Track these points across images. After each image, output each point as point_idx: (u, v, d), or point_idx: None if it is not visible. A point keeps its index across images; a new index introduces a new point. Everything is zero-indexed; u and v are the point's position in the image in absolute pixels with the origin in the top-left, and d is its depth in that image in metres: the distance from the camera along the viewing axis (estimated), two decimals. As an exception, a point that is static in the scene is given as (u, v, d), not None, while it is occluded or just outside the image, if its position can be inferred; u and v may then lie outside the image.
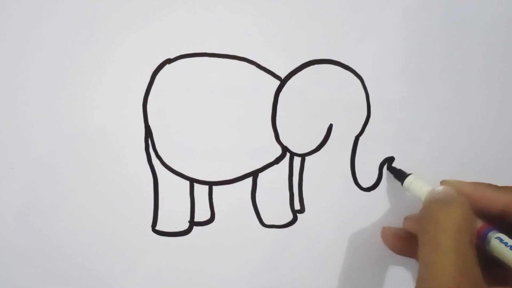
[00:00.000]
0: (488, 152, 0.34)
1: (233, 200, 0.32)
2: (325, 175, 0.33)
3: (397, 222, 0.33)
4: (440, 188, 0.28)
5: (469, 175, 0.31)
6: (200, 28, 0.31)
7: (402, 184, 0.32)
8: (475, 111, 0.33)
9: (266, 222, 0.33)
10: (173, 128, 0.31)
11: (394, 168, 0.33)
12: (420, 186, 0.30)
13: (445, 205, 0.26)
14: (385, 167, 0.33)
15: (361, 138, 0.33)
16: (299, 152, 0.32)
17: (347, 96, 0.32)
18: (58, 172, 0.31)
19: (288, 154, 0.32)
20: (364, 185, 0.33)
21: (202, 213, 0.33)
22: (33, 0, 0.30)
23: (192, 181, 0.32)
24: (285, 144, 0.32)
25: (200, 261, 0.33)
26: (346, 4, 0.31)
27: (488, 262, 0.27)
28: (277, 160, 0.32)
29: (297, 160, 0.33)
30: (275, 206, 0.33)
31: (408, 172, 0.32)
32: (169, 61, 0.31)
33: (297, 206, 0.33)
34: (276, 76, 0.31)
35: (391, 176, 0.33)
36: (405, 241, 0.31)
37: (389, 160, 0.33)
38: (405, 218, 0.33)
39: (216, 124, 0.31)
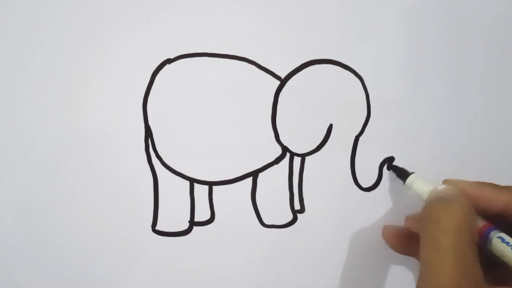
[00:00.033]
0: (488, 152, 0.34)
1: (233, 200, 0.32)
2: (325, 175, 0.33)
3: (397, 222, 0.33)
4: (442, 187, 0.28)
5: (469, 175, 0.31)
6: (200, 28, 0.31)
7: (404, 182, 0.32)
8: (475, 111, 0.33)
9: (266, 222, 0.33)
10: (173, 128, 0.31)
11: (397, 166, 0.33)
12: (422, 185, 0.30)
13: (445, 205, 0.26)
14: (385, 167, 0.33)
15: (361, 138, 0.33)
16: (299, 152, 0.32)
17: (347, 96, 0.32)
18: (58, 172, 0.31)
19: (288, 154, 0.32)
20: (364, 185, 0.33)
21: (202, 213, 0.33)
22: (33, 0, 0.30)
23: (192, 181, 0.32)
24: (285, 144, 0.32)
25: (200, 261, 0.33)
26: (346, 4, 0.31)
27: (489, 261, 0.27)
28: (277, 160, 0.32)
29: (297, 160, 0.33)
30: (275, 206, 0.33)
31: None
32: (169, 61, 0.31)
33: (297, 206, 0.33)
34: (276, 76, 0.31)
35: (391, 176, 0.33)
36: (406, 240, 0.31)
37: (389, 160, 0.33)
38: (407, 217, 0.33)
39: (216, 124, 0.31)
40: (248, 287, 0.33)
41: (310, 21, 0.31)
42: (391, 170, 0.33)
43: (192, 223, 0.33)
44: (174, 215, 0.32)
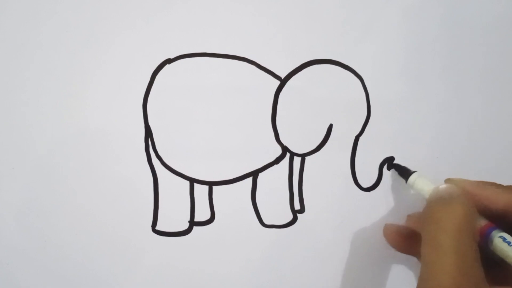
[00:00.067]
0: (488, 152, 0.34)
1: (233, 200, 0.32)
2: (325, 175, 0.33)
3: (397, 222, 0.33)
4: (443, 186, 0.28)
5: (469, 175, 0.31)
6: (200, 28, 0.31)
7: (406, 181, 0.32)
8: (475, 111, 0.33)
9: (266, 222, 0.33)
10: (173, 128, 0.31)
11: (399, 165, 0.33)
12: (424, 184, 0.30)
13: (446, 204, 0.26)
14: (385, 167, 0.33)
15: (361, 138, 0.33)
16: (299, 152, 0.32)
17: (347, 96, 0.32)
18: (58, 172, 0.31)
19: (288, 154, 0.32)
20: (364, 185, 0.33)
21: (202, 213, 0.33)
22: (33, 0, 0.30)
23: (192, 181, 0.32)
24: (285, 144, 0.32)
25: (200, 261, 0.33)
26: (346, 4, 0.31)
27: (490, 261, 0.27)
28: (277, 160, 0.32)
29: (297, 160, 0.33)
30: (275, 206, 0.33)
31: (410, 171, 0.32)
32: (169, 61, 0.31)
33: (297, 206, 0.33)
34: (276, 76, 0.31)
35: (391, 176, 0.33)
36: (407, 239, 0.31)
37: (389, 160, 0.33)
38: (408, 216, 0.33)
39: (216, 124, 0.31)
40: (248, 287, 0.33)
41: (310, 21, 0.31)
42: (392, 169, 0.33)
43: (192, 223, 0.33)
44: (174, 215, 0.32)
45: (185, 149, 0.32)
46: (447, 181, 0.30)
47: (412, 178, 0.31)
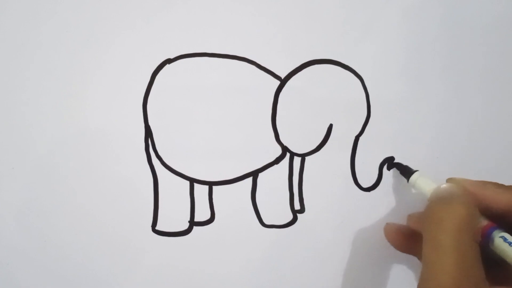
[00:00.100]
0: (488, 152, 0.34)
1: (233, 200, 0.32)
2: (325, 175, 0.33)
3: (397, 222, 0.33)
4: (444, 186, 0.28)
5: (469, 175, 0.31)
6: (200, 28, 0.31)
7: (407, 180, 0.32)
8: (475, 111, 0.33)
9: (266, 222, 0.33)
10: (173, 128, 0.31)
11: (400, 164, 0.33)
12: (426, 183, 0.30)
13: (447, 204, 0.26)
14: (385, 167, 0.33)
15: (361, 138, 0.33)
16: (299, 152, 0.32)
17: (347, 96, 0.32)
18: (58, 172, 0.31)
19: (288, 154, 0.32)
20: (364, 185, 0.33)
21: (202, 213, 0.33)
22: (33, 0, 0.30)
23: (192, 181, 0.32)
24: (285, 144, 0.32)
25: (200, 261, 0.33)
26: (346, 4, 0.31)
27: (491, 261, 0.27)
28: (277, 160, 0.32)
29: (297, 160, 0.33)
30: (275, 206, 0.33)
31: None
32: (169, 61, 0.31)
33: (297, 206, 0.33)
34: (276, 76, 0.31)
35: (391, 176, 0.33)
36: (408, 238, 0.31)
37: (389, 160, 0.33)
38: (409, 216, 0.33)
39: (216, 124, 0.31)
40: (248, 287, 0.33)
41: (310, 21, 0.31)
42: (393, 169, 0.33)
43: (192, 223, 0.33)
44: (174, 215, 0.32)
45: (185, 149, 0.32)
46: (449, 180, 0.30)
47: (413, 177, 0.31)
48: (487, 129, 0.33)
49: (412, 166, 0.32)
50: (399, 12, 0.32)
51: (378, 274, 0.35)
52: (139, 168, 0.31)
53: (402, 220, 0.33)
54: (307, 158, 0.33)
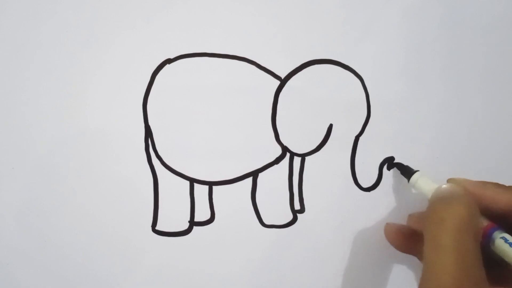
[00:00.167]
0: (488, 152, 0.34)
1: (233, 200, 0.32)
2: (325, 175, 0.33)
3: (397, 222, 0.33)
4: (445, 186, 0.28)
5: (469, 175, 0.31)
6: (200, 28, 0.31)
7: (408, 181, 0.32)
8: (475, 111, 0.33)
9: (266, 222, 0.33)
10: (173, 128, 0.31)
11: (401, 164, 0.33)
12: (427, 183, 0.30)
13: (448, 204, 0.26)
14: (385, 167, 0.33)
15: (361, 138, 0.33)
16: (299, 152, 0.32)
17: (347, 96, 0.32)
18: (58, 172, 0.31)
19: (288, 154, 0.32)
20: (364, 185, 0.33)
21: (202, 213, 0.33)
22: (33, 0, 0.30)
23: (192, 181, 0.32)
24: (285, 144, 0.32)
25: (200, 261, 0.33)
26: (346, 4, 0.31)
27: (491, 261, 0.27)
28: (277, 160, 0.32)
29: (297, 160, 0.33)
30: (275, 206, 0.33)
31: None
32: (169, 61, 0.31)
33: (297, 206, 0.33)
34: (276, 76, 0.31)
35: (391, 176, 0.33)
36: (408, 238, 0.31)
37: (389, 160, 0.33)
38: (409, 215, 0.33)
39: (216, 124, 0.31)
40: (248, 287, 0.33)
41: (310, 21, 0.31)
42: (393, 169, 0.33)
43: (192, 223, 0.33)
44: (174, 215, 0.32)
45: (185, 149, 0.32)
46: (450, 180, 0.30)
47: (414, 177, 0.31)
48: (487, 129, 0.33)
49: (412, 166, 0.32)
50: (399, 12, 0.32)
51: (378, 274, 0.35)
52: (139, 168, 0.31)
53: (402, 220, 0.33)
54: (307, 158, 0.33)
